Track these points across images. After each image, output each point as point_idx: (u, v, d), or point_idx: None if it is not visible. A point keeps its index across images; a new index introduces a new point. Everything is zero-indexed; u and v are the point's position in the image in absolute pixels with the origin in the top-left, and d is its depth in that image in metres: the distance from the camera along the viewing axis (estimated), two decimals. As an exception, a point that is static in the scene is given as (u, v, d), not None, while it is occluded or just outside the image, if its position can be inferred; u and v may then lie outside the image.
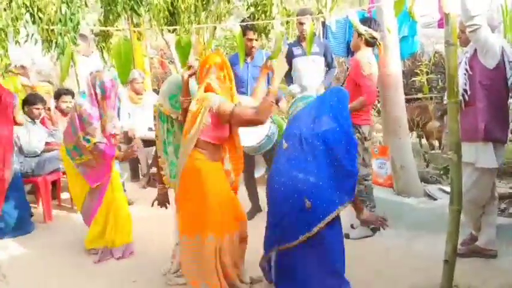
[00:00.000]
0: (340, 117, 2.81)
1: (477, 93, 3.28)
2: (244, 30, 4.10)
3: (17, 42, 2.56)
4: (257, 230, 3.14)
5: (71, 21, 2.47)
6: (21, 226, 4.58)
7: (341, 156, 2.73)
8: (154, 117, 3.28)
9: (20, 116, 4.62)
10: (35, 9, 2.43)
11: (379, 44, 4.04)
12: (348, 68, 5.58)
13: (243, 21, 4.21)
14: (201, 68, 2.96)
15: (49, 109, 5.71)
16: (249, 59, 4.43)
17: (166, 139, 3.25)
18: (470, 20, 3.06)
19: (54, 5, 2.50)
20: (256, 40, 4.37)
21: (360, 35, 3.91)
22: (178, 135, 3.20)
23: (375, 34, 3.92)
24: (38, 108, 5.14)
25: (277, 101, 4.60)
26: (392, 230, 4.12)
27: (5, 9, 2.33)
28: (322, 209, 2.66)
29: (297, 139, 2.81)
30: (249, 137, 3.68)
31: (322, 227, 2.65)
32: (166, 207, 3.45)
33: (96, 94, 3.69)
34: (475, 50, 3.27)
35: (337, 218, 2.74)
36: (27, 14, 2.46)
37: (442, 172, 5.03)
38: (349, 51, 5.62)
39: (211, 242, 2.85)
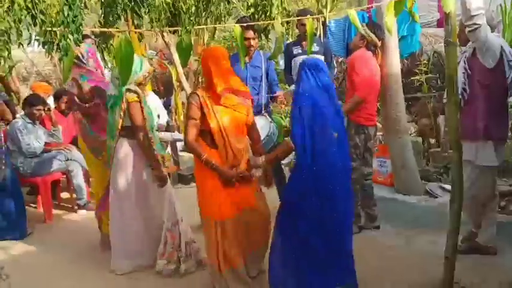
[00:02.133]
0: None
1: (476, 92, 3.30)
2: (243, 29, 4.11)
3: (20, 44, 2.58)
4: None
5: (74, 23, 2.49)
6: (12, 231, 4.49)
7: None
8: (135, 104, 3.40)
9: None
10: (37, 12, 2.44)
11: (378, 52, 4.09)
12: (346, 68, 5.60)
13: (238, 21, 4.21)
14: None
15: (49, 109, 5.71)
16: (247, 59, 4.44)
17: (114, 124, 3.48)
18: (470, 20, 3.07)
19: (55, 7, 2.51)
20: (254, 39, 4.39)
21: (363, 37, 3.95)
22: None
23: (378, 43, 3.99)
24: (39, 109, 5.15)
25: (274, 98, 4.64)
26: (392, 228, 4.17)
27: (7, 11, 2.34)
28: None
29: (338, 123, 2.81)
30: None
31: None
32: None
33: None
34: (474, 50, 3.29)
35: None
36: (29, 16, 2.47)
37: (442, 170, 5.05)
38: (348, 51, 5.64)
39: (210, 223, 2.95)
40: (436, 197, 4.33)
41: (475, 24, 3.06)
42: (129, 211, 3.53)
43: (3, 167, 4.41)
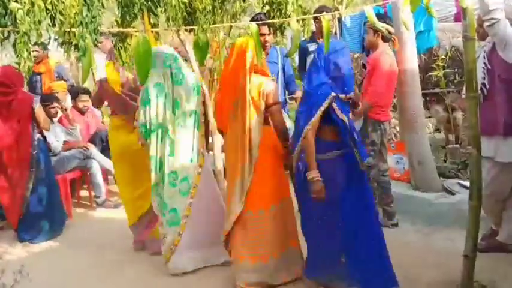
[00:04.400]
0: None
1: (496, 88, 3.25)
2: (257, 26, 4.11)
3: (39, 44, 2.62)
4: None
5: (92, 23, 2.52)
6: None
7: None
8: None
9: (42, 119, 4.48)
10: (56, 12, 2.48)
11: (394, 38, 4.07)
12: (363, 64, 5.56)
13: (253, 18, 4.22)
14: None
15: (65, 109, 5.79)
16: (263, 55, 4.44)
17: None
18: (487, 14, 3.03)
19: (74, 7, 2.55)
20: (268, 35, 4.38)
21: (376, 32, 3.92)
22: None
23: (391, 29, 3.96)
24: (54, 107, 5.21)
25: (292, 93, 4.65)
26: (410, 225, 4.14)
27: (27, 13, 2.39)
28: None
29: None
30: None
31: None
32: None
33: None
34: (494, 44, 3.24)
35: None
36: (49, 17, 2.51)
37: (460, 167, 4.99)
38: (364, 47, 5.60)
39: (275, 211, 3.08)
40: (454, 194, 4.28)
41: (493, 18, 3.01)
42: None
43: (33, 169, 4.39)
